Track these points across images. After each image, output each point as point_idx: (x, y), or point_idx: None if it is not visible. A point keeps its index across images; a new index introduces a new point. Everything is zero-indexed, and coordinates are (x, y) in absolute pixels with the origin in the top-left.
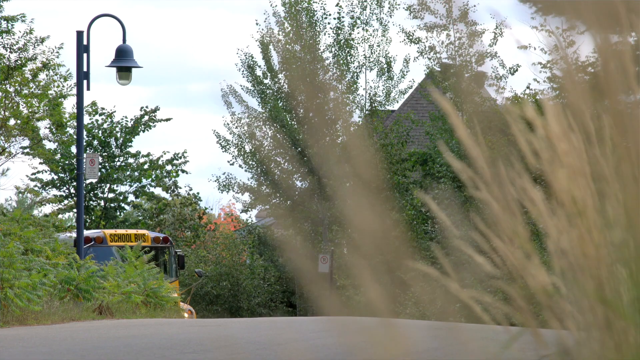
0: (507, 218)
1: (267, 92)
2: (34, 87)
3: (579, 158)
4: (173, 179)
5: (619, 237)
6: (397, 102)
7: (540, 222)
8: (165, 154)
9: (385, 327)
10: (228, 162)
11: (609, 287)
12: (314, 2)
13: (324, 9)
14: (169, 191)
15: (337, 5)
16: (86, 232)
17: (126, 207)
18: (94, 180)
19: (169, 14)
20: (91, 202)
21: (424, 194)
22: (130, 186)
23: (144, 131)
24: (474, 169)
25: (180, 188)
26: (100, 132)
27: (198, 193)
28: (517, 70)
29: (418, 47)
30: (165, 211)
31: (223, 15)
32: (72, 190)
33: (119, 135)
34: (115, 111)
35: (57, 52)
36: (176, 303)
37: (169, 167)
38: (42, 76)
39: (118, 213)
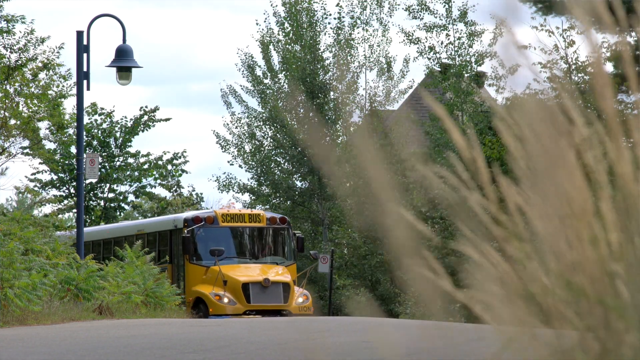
0: (505, 219)
1: (267, 92)
2: (34, 87)
3: (576, 159)
4: (176, 178)
5: (617, 238)
6: (397, 102)
7: (538, 223)
8: (165, 154)
9: (386, 327)
10: (228, 162)
11: (606, 288)
12: (314, 2)
13: (324, 9)
14: (172, 190)
15: (337, 5)
16: (196, 212)
17: (126, 207)
18: (93, 180)
19: (169, 14)
20: (91, 202)
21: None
22: (130, 186)
23: (143, 131)
24: (471, 171)
25: (182, 188)
26: (99, 132)
27: (201, 193)
28: (516, 70)
29: (417, 47)
30: (167, 211)
31: (223, 15)
32: (72, 190)
33: (118, 135)
34: (114, 111)
35: (58, 52)
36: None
37: (169, 167)
38: (42, 76)
39: (118, 213)
